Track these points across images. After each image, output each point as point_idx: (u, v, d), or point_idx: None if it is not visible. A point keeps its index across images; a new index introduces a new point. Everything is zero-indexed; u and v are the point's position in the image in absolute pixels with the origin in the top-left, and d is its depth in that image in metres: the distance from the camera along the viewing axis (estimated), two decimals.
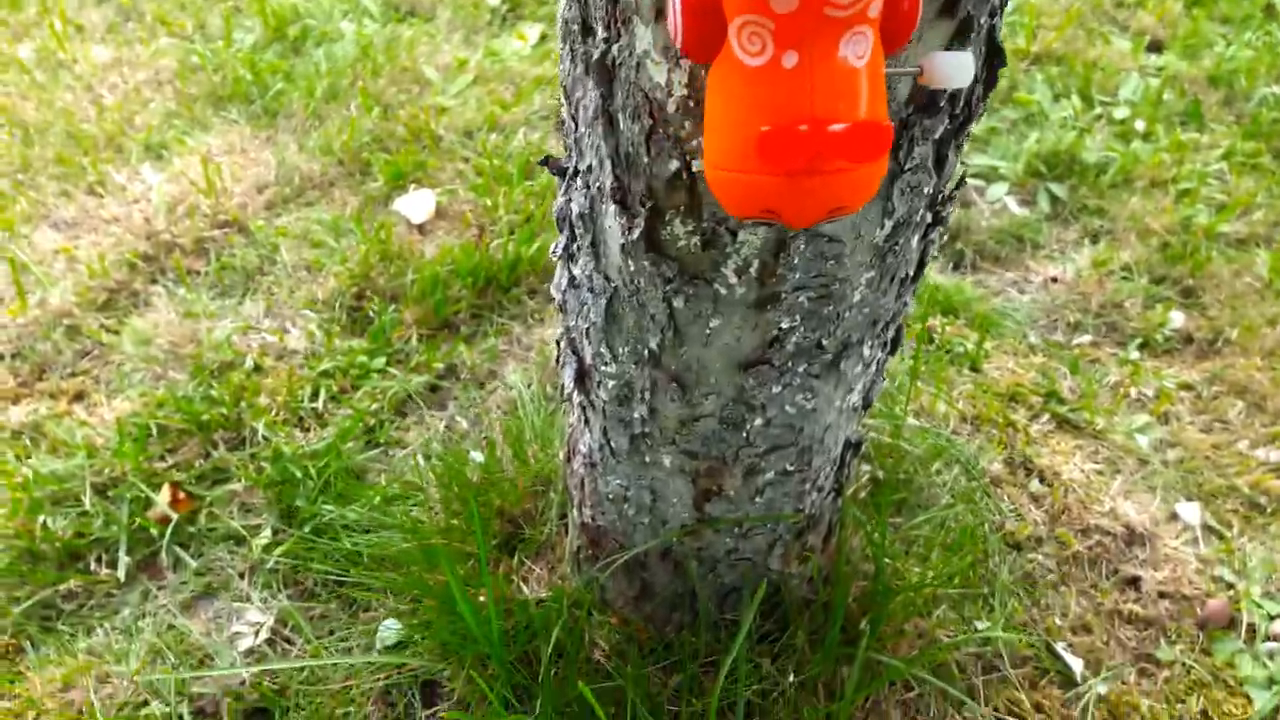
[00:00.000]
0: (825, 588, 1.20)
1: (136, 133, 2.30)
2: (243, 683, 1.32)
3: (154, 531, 1.48)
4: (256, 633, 1.38)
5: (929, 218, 0.81)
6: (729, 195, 0.58)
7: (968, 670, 1.31)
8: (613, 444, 1.04)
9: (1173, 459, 1.65)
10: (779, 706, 1.17)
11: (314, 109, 2.32)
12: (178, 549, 1.49)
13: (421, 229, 1.99)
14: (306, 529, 1.43)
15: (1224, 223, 2.11)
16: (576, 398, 1.07)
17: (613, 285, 0.86)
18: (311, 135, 2.25)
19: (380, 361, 1.70)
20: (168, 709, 1.30)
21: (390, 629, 1.33)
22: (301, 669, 1.32)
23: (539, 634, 1.21)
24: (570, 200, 0.86)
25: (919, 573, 1.30)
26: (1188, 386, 1.79)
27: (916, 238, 0.82)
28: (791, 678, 1.13)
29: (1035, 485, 1.57)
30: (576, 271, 0.92)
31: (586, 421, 1.07)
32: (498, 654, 1.15)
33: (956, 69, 0.58)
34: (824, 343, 0.85)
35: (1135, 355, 1.85)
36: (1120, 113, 2.45)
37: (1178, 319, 1.91)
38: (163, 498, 1.50)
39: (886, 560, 1.21)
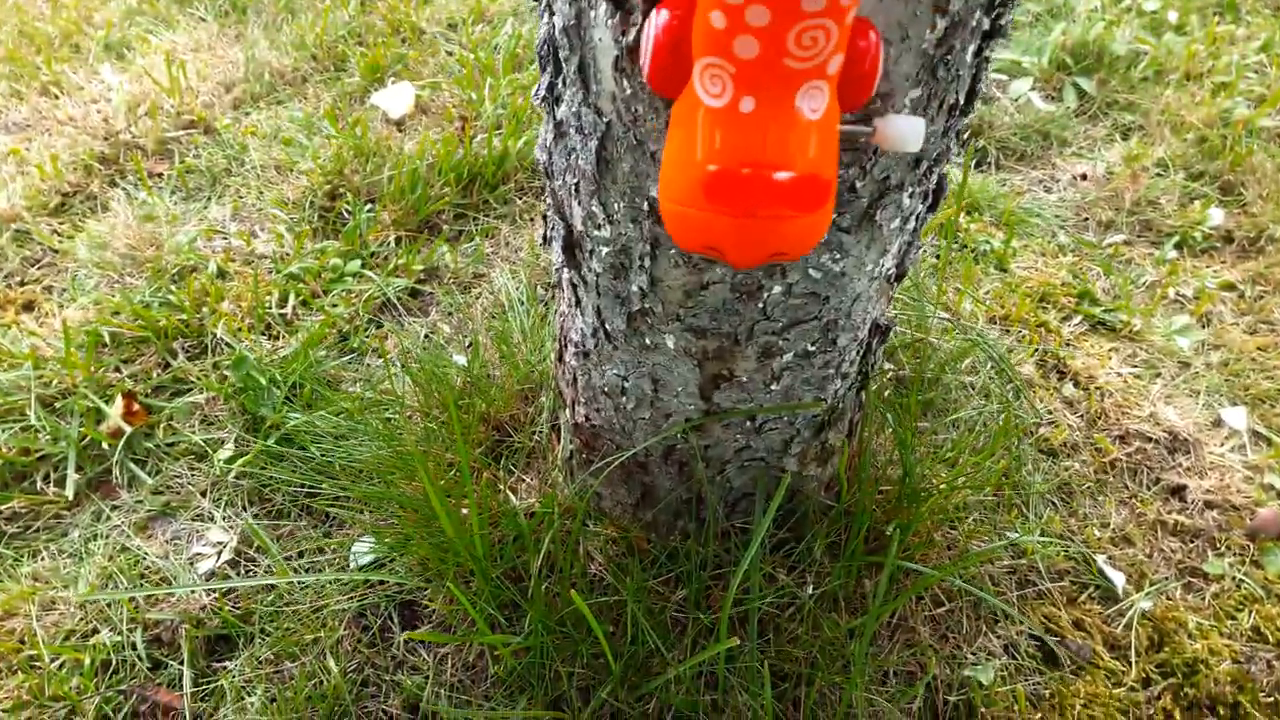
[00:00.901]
0: (846, 492, 1.07)
1: (96, 30, 2.13)
2: (203, 608, 1.20)
3: (106, 446, 1.35)
4: (219, 554, 1.25)
5: (985, 24, 0.67)
6: (678, 229, 0.59)
7: (1001, 585, 1.19)
8: (608, 326, 0.90)
9: (1216, 362, 1.51)
10: (795, 622, 1.06)
11: (286, 3, 2.15)
12: (132, 465, 1.36)
13: (400, 125, 1.83)
14: (272, 439, 1.30)
15: (1265, 116, 1.96)
16: (566, 274, 0.93)
17: (605, 121, 0.72)
18: (284, 30, 2.08)
19: (355, 265, 1.56)
20: (119, 637, 1.18)
21: (365, 548, 1.21)
22: (268, 591, 1.20)
23: (528, 547, 1.08)
24: (553, 14, 0.72)
25: (947, 478, 1.17)
26: (1230, 286, 1.65)
27: (971, 49, 0.67)
28: (811, 589, 1.01)
29: (1069, 389, 1.44)
30: (562, 113, 0.78)
31: (578, 303, 0.93)
32: (482, 569, 1.03)
33: (908, 133, 0.59)
34: (857, 185, 0.71)
35: (1172, 254, 1.70)
36: (1151, 4, 2.28)
37: (1217, 216, 1.77)
38: (115, 410, 1.37)
39: (914, 461, 1.08)
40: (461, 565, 1.08)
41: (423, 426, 1.25)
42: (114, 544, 1.27)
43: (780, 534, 1.09)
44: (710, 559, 1.06)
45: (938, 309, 1.35)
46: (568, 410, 1.09)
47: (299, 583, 1.19)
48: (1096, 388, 1.44)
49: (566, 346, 1.03)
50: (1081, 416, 1.41)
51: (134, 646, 1.17)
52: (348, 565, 1.20)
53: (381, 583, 1.16)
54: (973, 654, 1.13)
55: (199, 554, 1.26)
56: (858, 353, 0.93)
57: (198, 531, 1.28)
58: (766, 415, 0.93)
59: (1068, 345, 1.50)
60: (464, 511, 1.08)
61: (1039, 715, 1.12)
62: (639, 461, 1.03)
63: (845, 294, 0.82)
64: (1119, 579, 1.23)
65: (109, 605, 1.21)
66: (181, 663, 1.15)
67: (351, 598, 1.16)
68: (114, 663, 1.16)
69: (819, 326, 0.84)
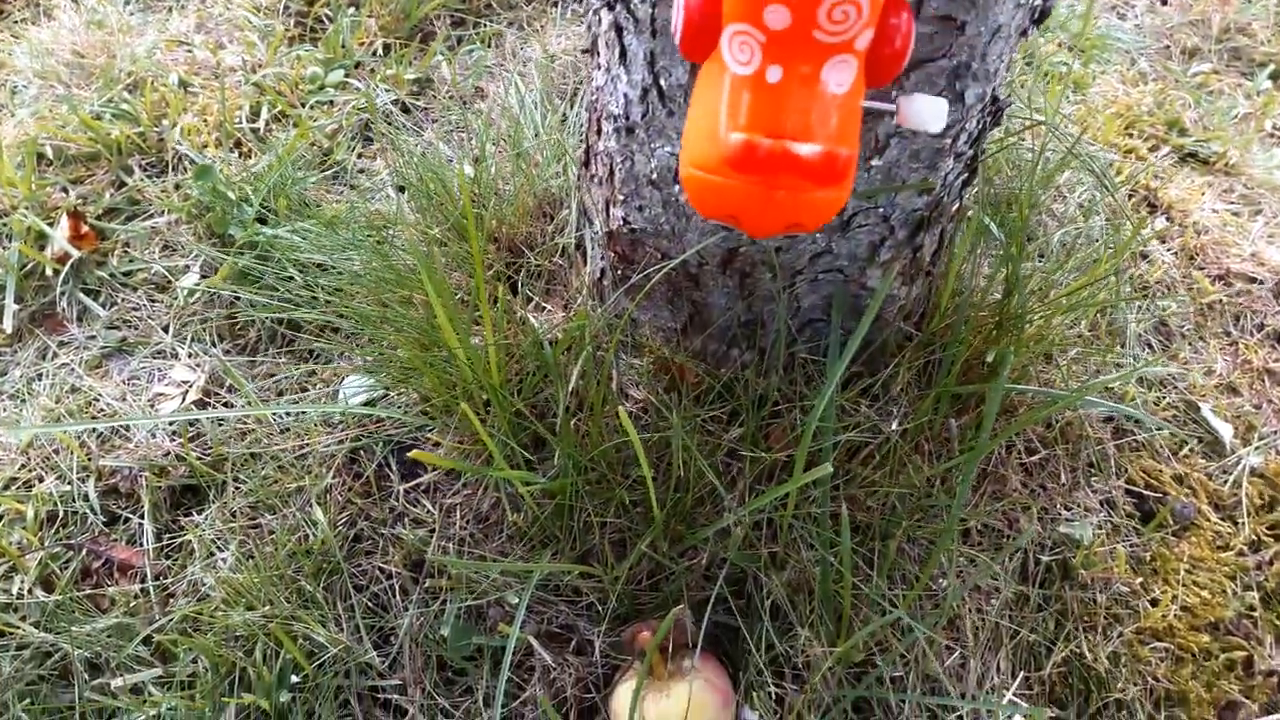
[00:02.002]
0: (937, 317, 0.89)
1: None
2: (166, 454, 1.02)
3: (50, 273, 1.16)
4: (184, 394, 1.07)
5: None
6: (697, 195, 0.58)
7: (1097, 434, 1.03)
8: (663, 82, 0.71)
9: None
10: (870, 468, 0.89)
11: None
12: (83, 296, 1.17)
13: None
14: (245, 259, 1.11)
15: None
16: (607, 17, 0.73)
17: None
18: None
19: (338, 75, 1.34)
20: (68, 487, 1.00)
21: (356, 385, 1.03)
22: (242, 435, 1.02)
23: (553, 376, 0.91)
24: None
25: (1047, 304, 0.99)
26: None
27: None
28: (896, 424, 0.84)
29: (1161, 223, 1.26)
30: None
31: (623, 55, 0.73)
32: (499, 399, 0.85)
33: (930, 113, 0.58)
34: None
35: (1266, 85, 1.51)
36: None
37: None
38: (61, 231, 1.17)
39: (1022, 278, 0.90)
40: (473, 399, 0.91)
41: (424, 246, 1.06)
42: (61, 384, 1.09)
43: (853, 367, 0.91)
44: (772, 393, 0.89)
45: (1029, 112, 1.15)
46: (599, 218, 0.90)
47: (279, 422, 1.02)
48: (1191, 224, 1.26)
49: (602, 127, 0.83)
50: (1175, 253, 1.23)
51: (86, 498, 1.00)
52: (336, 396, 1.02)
53: (377, 421, 0.99)
54: (1067, 510, 0.97)
55: (161, 394, 1.08)
56: (978, 123, 0.74)
57: (159, 370, 1.10)
58: (864, 201, 0.74)
59: (1158, 178, 1.31)
60: (475, 348, 0.90)
61: (1139, 580, 0.97)
62: (689, 272, 0.84)
63: (985, 23, 0.63)
64: (1226, 431, 1.07)
65: (56, 451, 1.03)
66: (141, 516, 0.98)
67: (341, 441, 0.99)
68: (62, 515, 0.99)
69: (947, 70, 0.65)
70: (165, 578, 0.94)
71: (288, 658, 0.86)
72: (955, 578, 0.90)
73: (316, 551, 0.92)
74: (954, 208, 0.83)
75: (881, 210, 0.76)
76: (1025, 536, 0.90)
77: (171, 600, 0.93)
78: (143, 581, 0.94)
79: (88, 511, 0.99)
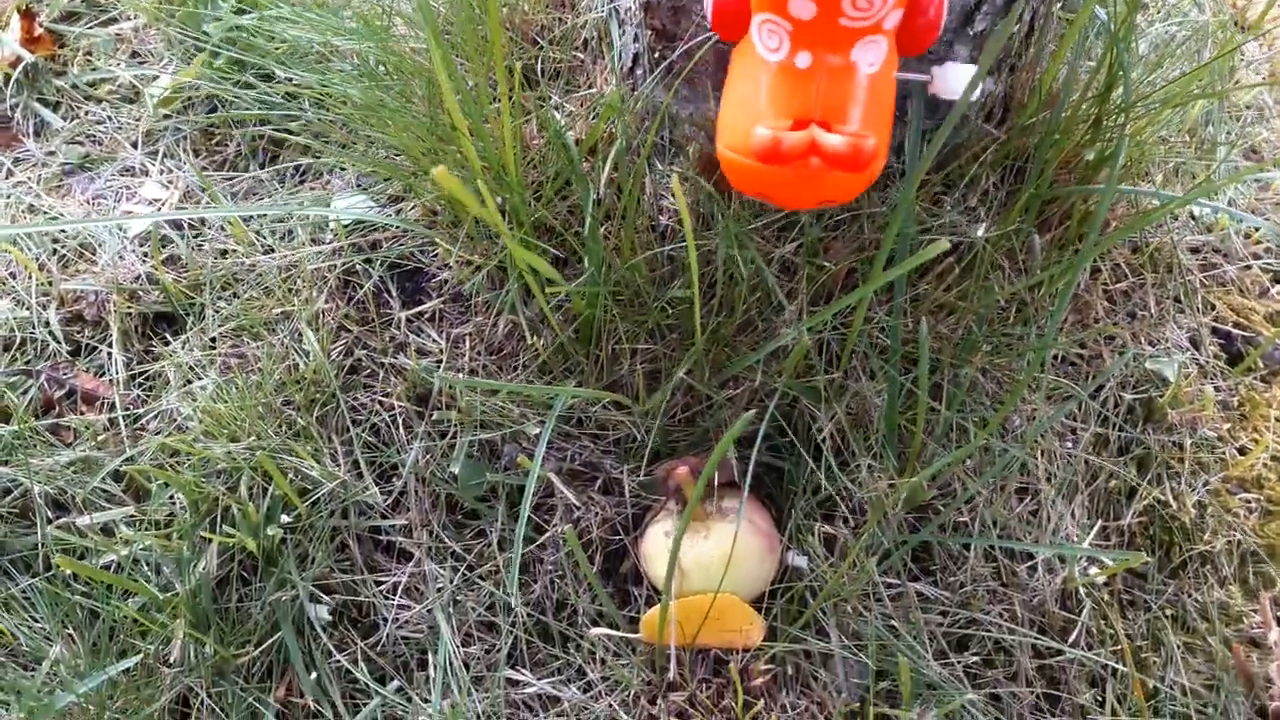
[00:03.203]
0: (1028, 107, 0.77)
1: None
2: (137, 278, 0.91)
3: (1, 80, 1.02)
4: (157, 212, 0.95)
5: None
6: (733, 173, 0.59)
7: (1185, 263, 0.92)
8: None
9: None
10: (940, 287, 0.78)
11: None
12: (40, 108, 1.03)
13: None
14: (220, 60, 0.97)
15: None
16: None
17: None
18: None
19: None
20: (26, 313, 0.89)
21: (349, 200, 0.90)
22: (223, 255, 0.91)
23: (575, 181, 0.79)
24: None
25: (1146, 104, 0.86)
26: None
27: None
28: (982, 230, 0.72)
29: (1250, 48, 1.13)
30: None
31: None
32: (521, 198, 0.73)
33: (963, 82, 0.59)
34: None
35: None
36: None
37: None
38: (12, 33, 1.03)
39: (1127, 62, 0.77)
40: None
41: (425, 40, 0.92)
42: (17, 203, 0.97)
43: (926, 174, 0.79)
44: None
45: None
46: None
47: (263, 242, 0.90)
48: None
49: None
50: (1264, 77, 1.10)
51: (46, 324, 0.89)
52: (326, 225, 0.90)
53: (373, 245, 0.87)
54: (1152, 346, 0.87)
55: (130, 213, 0.95)
56: None
57: (128, 188, 0.98)
58: None
59: None
60: (488, 134, 0.77)
61: (1227, 426, 0.87)
62: None
63: None
64: None
65: (12, 275, 0.92)
66: (110, 345, 0.87)
67: (333, 264, 0.87)
68: (19, 341, 0.88)
69: None
70: (137, 408, 0.84)
71: (276, 494, 0.76)
72: (1029, 420, 0.80)
73: (308, 381, 0.81)
74: None
75: None
76: (1116, 364, 0.80)
77: (144, 434, 0.82)
78: (111, 411, 0.83)
79: (48, 339, 0.88)
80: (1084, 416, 0.82)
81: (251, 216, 0.92)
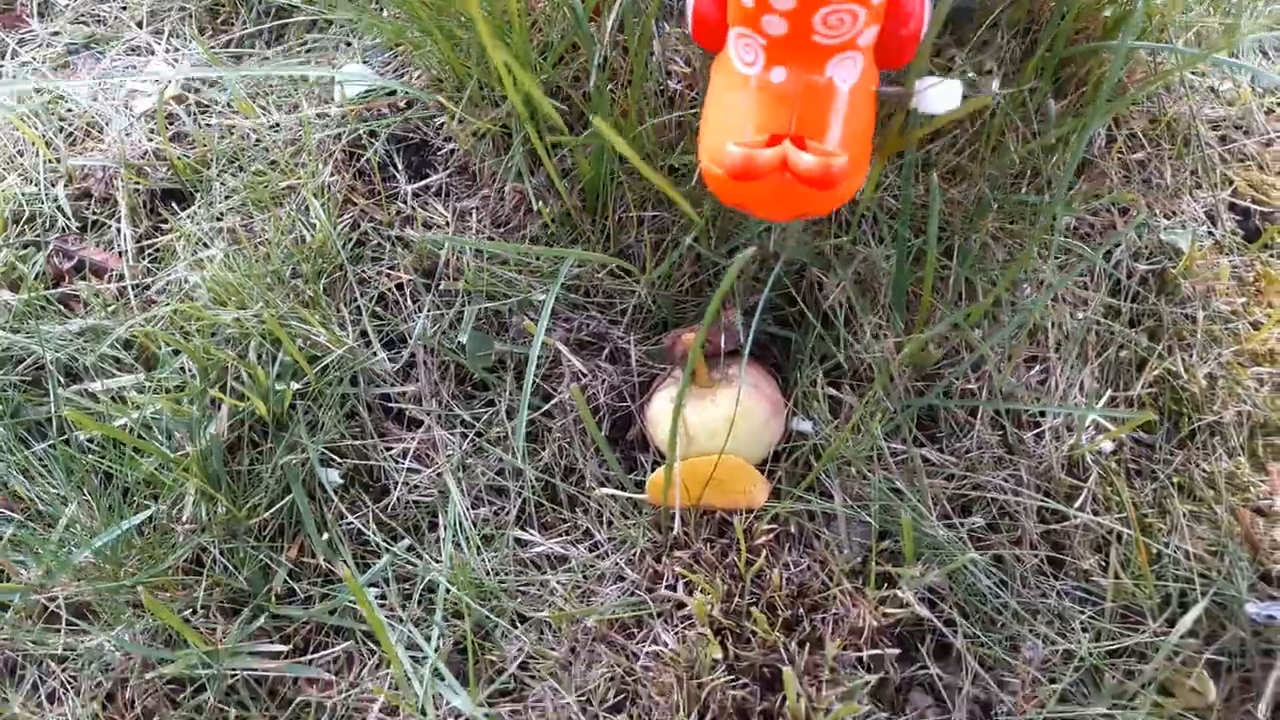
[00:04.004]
0: None
1: None
2: (144, 155, 0.90)
3: None
4: (162, 90, 0.94)
5: None
6: (712, 185, 0.59)
7: (1205, 136, 0.90)
8: None
9: None
10: (952, 150, 0.77)
11: None
12: None
13: None
14: None
15: None
16: None
17: None
18: None
19: None
20: (34, 189, 0.89)
21: (354, 77, 0.89)
22: (230, 131, 0.90)
23: (581, 40, 0.77)
24: None
25: None
26: None
27: None
28: (996, 85, 0.71)
29: None
30: None
31: None
32: (523, 58, 0.72)
33: (944, 97, 0.58)
34: None
35: None
36: None
37: None
38: None
39: None
40: (491, 69, 0.78)
41: None
42: (23, 82, 0.96)
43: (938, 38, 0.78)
44: None
45: None
46: None
47: (269, 118, 0.89)
48: None
49: None
50: None
51: (54, 200, 0.89)
52: (331, 99, 0.89)
53: (379, 115, 0.86)
54: (1167, 219, 0.85)
55: (135, 91, 0.95)
56: None
57: (133, 66, 0.97)
58: None
59: None
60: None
61: (1241, 300, 0.86)
62: None
63: None
64: None
65: (20, 153, 0.92)
66: (118, 220, 0.87)
67: (339, 133, 0.87)
68: (28, 215, 0.88)
69: None
70: (145, 279, 0.84)
71: (286, 360, 0.77)
72: (1039, 286, 0.79)
73: (315, 252, 0.81)
74: None
75: None
76: (1129, 228, 0.79)
77: (153, 305, 0.82)
78: (120, 282, 0.83)
79: (57, 213, 0.88)
80: (1096, 285, 0.81)
81: (259, 93, 0.91)
